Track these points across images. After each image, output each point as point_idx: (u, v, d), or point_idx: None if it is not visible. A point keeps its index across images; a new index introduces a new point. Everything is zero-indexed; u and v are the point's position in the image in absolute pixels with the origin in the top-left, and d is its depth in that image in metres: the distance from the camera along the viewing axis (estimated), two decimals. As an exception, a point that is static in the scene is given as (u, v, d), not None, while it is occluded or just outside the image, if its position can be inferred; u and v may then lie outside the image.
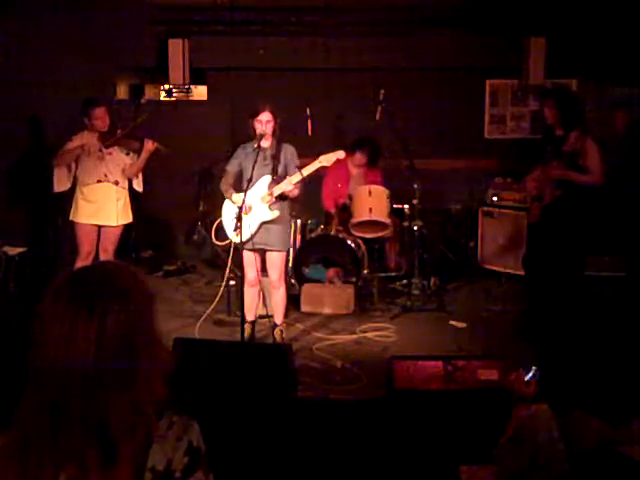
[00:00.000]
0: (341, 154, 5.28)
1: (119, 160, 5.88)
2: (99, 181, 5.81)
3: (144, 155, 5.81)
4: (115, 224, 5.89)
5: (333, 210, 6.88)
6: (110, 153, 5.83)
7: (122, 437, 1.45)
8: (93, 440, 1.45)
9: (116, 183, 5.86)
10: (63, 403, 1.45)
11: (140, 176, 5.98)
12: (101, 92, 7.52)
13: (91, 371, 1.45)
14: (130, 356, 1.49)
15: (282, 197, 5.34)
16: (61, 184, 5.84)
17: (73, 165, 5.82)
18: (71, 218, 5.88)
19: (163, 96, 8.27)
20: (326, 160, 5.23)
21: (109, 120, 5.81)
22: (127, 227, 6.15)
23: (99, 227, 5.89)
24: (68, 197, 5.93)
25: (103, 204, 5.84)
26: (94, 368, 1.45)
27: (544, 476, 2.41)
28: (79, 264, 5.86)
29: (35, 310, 1.53)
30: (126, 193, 5.96)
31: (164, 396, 1.53)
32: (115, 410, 1.46)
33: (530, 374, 2.79)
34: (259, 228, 5.31)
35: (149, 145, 5.76)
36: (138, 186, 6.02)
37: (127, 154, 5.90)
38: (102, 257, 5.91)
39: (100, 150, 5.79)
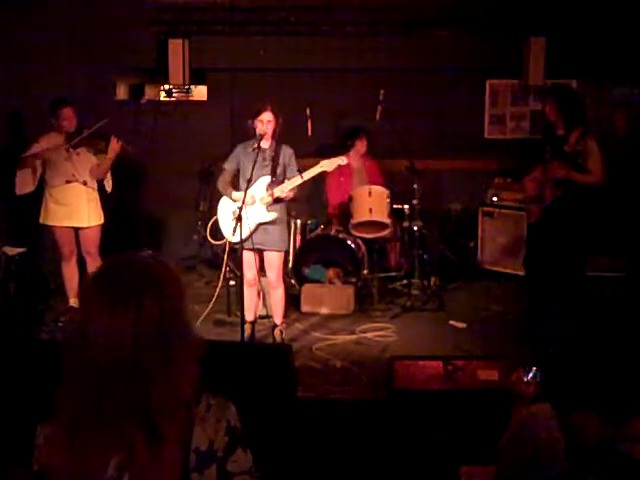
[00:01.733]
0: (343, 160, 5.31)
1: (86, 160, 5.84)
2: (68, 181, 5.77)
3: (110, 154, 5.76)
4: (87, 225, 5.86)
5: (339, 206, 6.85)
6: (78, 153, 5.79)
7: (165, 419, 1.52)
8: (138, 424, 1.51)
9: (84, 183, 5.81)
10: (106, 390, 1.52)
11: (109, 176, 5.95)
12: (101, 92, 7.53)
13: (130, 358, 1.52)
14: (166, 342, 1.56)
15: (279, 199, 5.34)
16: (25, 186, 5.74)
17: (39, 167, 5.75)
18: (42, 221, 5.84)
19: (163, 96, 8.26)
20: (327, 165, 5.25)
21: (76, 121, 5.77)
22: (107, 228, 6.14)
23: (74, 229, 5.88)
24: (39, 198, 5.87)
25: (76, 207, 5.80)
26: (133, 355, 1.52)
27: (544, 476, 2.41)
28: (65, 266, 5.92)
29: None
30: (96, 194, 5.92)
31: (198, 378, 1.61)
32: (156, 393, 1.52)
33: (530, 374, 2.79)
34: (256, 228, 5.31)
35: (114, 144, 5.71)
36: (108, 187, 5.98)
37: (95, 154, 5.86)
38: (87, 260, 5.91)
39: (67, 150, 5.74)
